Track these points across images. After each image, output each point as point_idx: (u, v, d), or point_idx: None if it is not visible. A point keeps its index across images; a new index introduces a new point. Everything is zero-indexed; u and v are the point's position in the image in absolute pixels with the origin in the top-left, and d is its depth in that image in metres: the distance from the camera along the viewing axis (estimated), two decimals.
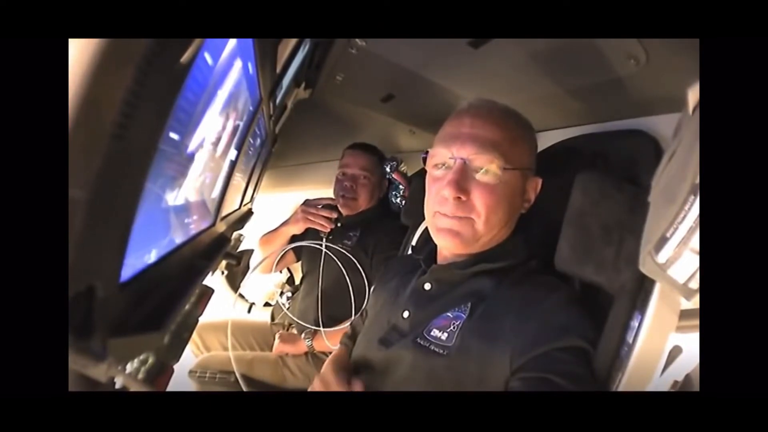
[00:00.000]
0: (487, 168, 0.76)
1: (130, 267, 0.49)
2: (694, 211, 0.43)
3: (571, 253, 0.74)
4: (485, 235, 0.79)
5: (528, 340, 0.68)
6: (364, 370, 0.89)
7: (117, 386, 0.46)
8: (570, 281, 0.79)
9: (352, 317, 1.49)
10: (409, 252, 1.39)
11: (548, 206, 0.84)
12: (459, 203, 0.77)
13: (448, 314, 0.77)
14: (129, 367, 0.66)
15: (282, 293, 2.02)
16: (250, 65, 0.79)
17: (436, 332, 0.76)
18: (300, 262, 1.82)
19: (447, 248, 0.85)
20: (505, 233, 0.84)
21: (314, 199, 1.63)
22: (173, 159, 0.55)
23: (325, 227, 1.58)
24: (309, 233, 1.68)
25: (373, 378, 0.85)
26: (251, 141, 1.15)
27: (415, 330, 0.79)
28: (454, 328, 0.75)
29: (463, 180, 0.76)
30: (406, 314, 0.84)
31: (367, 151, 1.72)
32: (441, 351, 0.73)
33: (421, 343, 0.76)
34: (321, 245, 1.60)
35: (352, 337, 1.08)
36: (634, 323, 0.64)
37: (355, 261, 1.57)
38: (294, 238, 1.67)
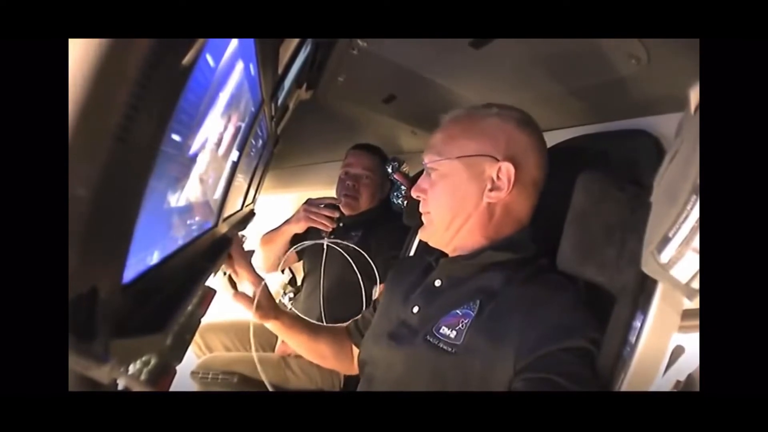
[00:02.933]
0: (429, 167, 0.87)
1: (133, 268, 0.49)
2: (696, 211, 0.43)
3: (573, 253, 0.74)
4: (445, 224, 0.85)
5: (533, 341, 0.68)
6: (371, 364, 0.89)
7: (119, 388, 0.46)
8: (576, 280, 0.79)
9: (356, 317, 1.49)
10: (412, 253, 1.39)
11: (549, 206, 0.83)
12: (423, 202, 0.88)
13: (458, 311, 0.77)
14: (131, 369, 0.66)
15: (284, 294, 2.01)
16: (251, 66, 0.79)
17: (445, 330, 0.76)
18: (302, 262, 1.82)
19: (426, 241, 0.92)
20: (513, 226, 0.84)
21: (317, 199, 1.63)
22: (175, 160, 0.55)
23: (327, 226, 1.57)
24: (310, 233, 1.67)
25: (379, 372, 0.85)
26: (253, 142, 1.16)
27: (424, 326, 0.79)
28: (462, 326, 0.75)
29: (422, 182, 0.88)
30: (415, 309, 0.84)
31: (371, 152, 1.72)
32: (449, 349, 0.74)
33: (431, 340, 0.76)
34: (323, 243, 1.60)
35: (356, 328, 1.09)
36: (637, 323, 0.64)
37: (356, 260, 1.57)
38: (295, 237, 1.67)
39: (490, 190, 0.81)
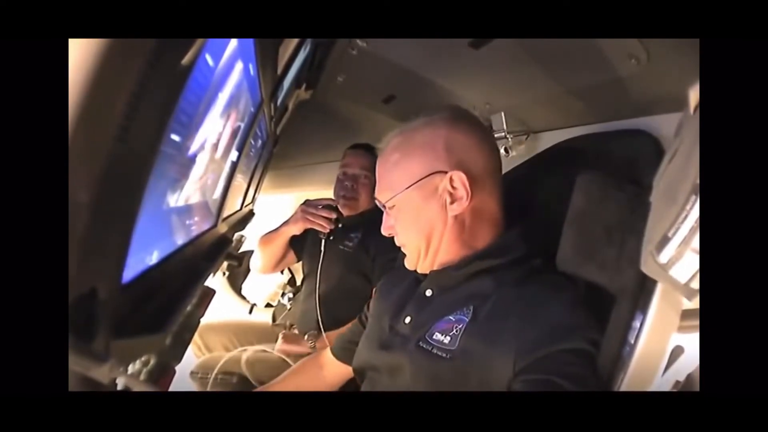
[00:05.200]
0: (385, 205, 0.85)
1: (132, 268, 0.49)
2: (696, 211, 0.43)
3: (573, 253, 0.74)
4: (422, 251, 0.84)
5: (532, 342, 0.67)
6: (368, 375, 0.88)
7: (119, 387, 0.46)
8: (575, 280, 0.79)
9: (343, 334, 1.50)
10: None
11: (548, 207, 0.83)
12: (396, 238, 0.87)
13: (451, 318, 0.76)
14: (131, 369, 0.66)
15: (284, 294, 2.01)
16: (251, 67, 0.79)
17: (438, 336, 0.75)
18: (301, 263, 1.82)
19: (413, 270, 0.90)
20: (489, 226, 0.83)
21: (314, 200, 1.62)
22: (175, 160, 0.55)
23: (325, 227, 1.57)
24: (310, 234, 1.67)
25: (376, 383, 0.85)
26: (252, 142, 1.16)
27: (417, 333, 0.79)
28: (456, 331, 0.74)
29: (387, 220, 0.87)
30: (407, 320, 0.83)
31: (369, 151, 1.71)
32: (444, 354, 0.73)
33: (424, 346, 0.76)
34: (321, 245, 1.60)
35: (344, 340, 1.08)
36: (636, 323, 0.64)
37: (357, 262, 1.57)
38: (294, 239, 1.67)
39: (451, 203, 0.79)
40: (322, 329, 1.52)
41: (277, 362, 1.55)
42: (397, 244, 0.87)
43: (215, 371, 1.50)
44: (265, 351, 1.56)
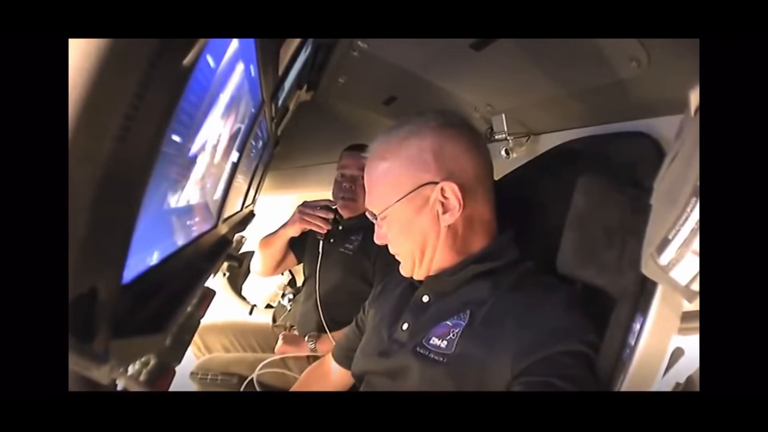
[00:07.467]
0: (378, 217, 0.85)
1: (133, 269, 0.49)
2: (696, 213, 0.43)
3: (573, 255, 0.74)
4: (416, 260, 0.84)
5: (529, 344, 0.67)
6: (366, 379, 0.88)
7: (119, 388, 0.46)
8: (572, 282, 0.78)
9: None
10: None
11: (549, 209, 0.83)
12: (390, 246, 0.87)
13: (448, 323, 0.76)
14: (130, 369, 0.66)
15: (284, 295, 2.01)
16: (252, 68, 0.79)
17: (435, 341, 0.75)
18: (302, 265, 1.82)
19: (409, 276, 0.90)
20: (482, 231, 0.83)
21: (312, 201, 1.61)
22: (175, 161, 0.55)
23: (322, 228, 1.56)
24: (310, 236, 1.66)
25: (375, 387, 0.85)
26: (253, 143, 1.16)
27: (414, 339, 0.79)
28: (453, 335, 0.74)
29: (379, 230, 0.87)
30: (405, 326, 0.84)
31: (365, 151, 1.71)
32: (440, 359, 0.73)
33: (420, 351, 0.76)
34: (319, 247, 1.59)
35: (344, 348, 1.08)
36: (636, 326, 0.63)
37: (357, 265, 1.57)
38: (294, 241, 1.66)
39: (443, 213, 0.78)
40: (327, 330, 1.52)
41: (278, 364, 1.55)
42: (391, 252, 0.87)
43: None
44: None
